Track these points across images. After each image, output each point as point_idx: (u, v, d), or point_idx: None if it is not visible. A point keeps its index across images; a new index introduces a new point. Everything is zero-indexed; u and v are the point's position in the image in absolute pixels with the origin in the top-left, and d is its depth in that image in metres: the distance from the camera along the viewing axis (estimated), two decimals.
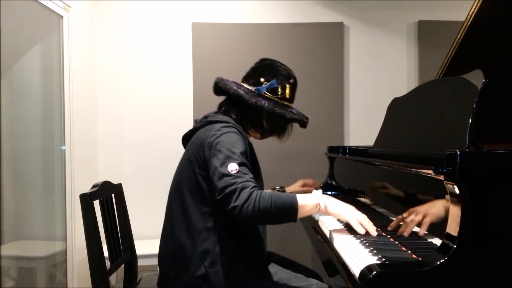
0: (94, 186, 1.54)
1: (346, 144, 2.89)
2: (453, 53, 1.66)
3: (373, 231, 1.25)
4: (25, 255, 2.25)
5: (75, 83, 2.48)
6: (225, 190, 1.24)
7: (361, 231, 1.25)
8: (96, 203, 1.50)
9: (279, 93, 1.51)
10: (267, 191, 1.29)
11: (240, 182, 1.24)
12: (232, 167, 1.27)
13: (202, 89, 2.79)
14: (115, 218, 1.67)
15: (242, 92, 1.46)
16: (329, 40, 2.89)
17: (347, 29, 2.94)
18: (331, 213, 1.30)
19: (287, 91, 1.52)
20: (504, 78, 1.51)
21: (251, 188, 1.24)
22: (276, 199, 1.23)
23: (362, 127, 2.92)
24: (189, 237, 1.38)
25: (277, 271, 1.44)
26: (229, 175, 1.25)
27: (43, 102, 2.43)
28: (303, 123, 1.55)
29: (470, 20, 1.56)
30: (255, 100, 1.45)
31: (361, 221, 1.27)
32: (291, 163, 2.87)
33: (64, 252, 2.40)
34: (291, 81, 1.54)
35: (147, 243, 2.64)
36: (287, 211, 1.25)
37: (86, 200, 1.43)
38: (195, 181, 1.40)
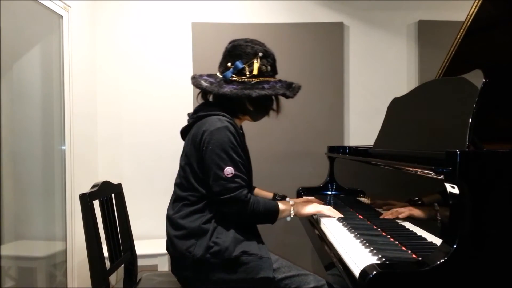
0: (94, 186, 1.54)
1: (346, 144, 2.89)
2: (453, 53, 1.66)
3: (337, 214, 1.57)
4: (25, 255, 2.24)
5: (75, 83, 2.48)
6: (222, 195, 1.35)
7: (336, 214, 1.56)
8: (96, 203, 1.50)
9: (247, 72, 1.47)
10: (258, 197, 1.44)
11: (236, 189, 1.35)
12: (228, 171, 1.35)
13: None
14: (115, 218, 1.67)
15: (205, 86, 1.48)
16: (329, 40, 2.89)
17: (347, 29, 2.94)
18: (304, 214, 1.55)
19: (255, 67, 1.47)
20: (504, 78, 1.51)
21: (246, 196, 1.37)
22: (265, 207, 1.42)
23: (362, 127, 2.92)
24: (195, 215, 1.41)
25: (278, 259, 1.47)
26: (224, 179, 1.34)
27: (43, 102, 2.42)
28: (284, 95, 1.51)
29: (470, 20, 1.56)
30: (217, 89, 1.45)
31: (330, 209, 1.58)
32: (291, 163, 2.87)
33: (64, 252, 2.40)
34: (260, 55, 1.48)
35: (147, 243, 2.64)
36: (271, 216, 1.45)
37: (86, 200, 1.43)
38: (197, 171, 1.43)
